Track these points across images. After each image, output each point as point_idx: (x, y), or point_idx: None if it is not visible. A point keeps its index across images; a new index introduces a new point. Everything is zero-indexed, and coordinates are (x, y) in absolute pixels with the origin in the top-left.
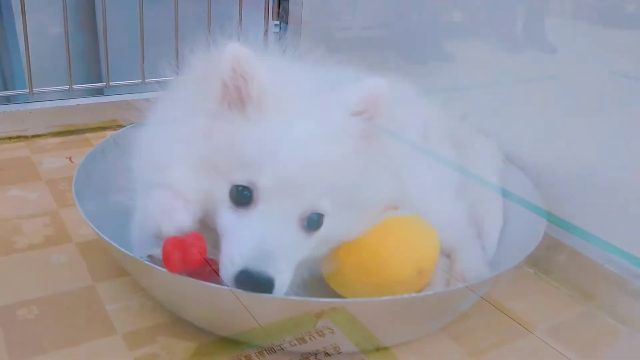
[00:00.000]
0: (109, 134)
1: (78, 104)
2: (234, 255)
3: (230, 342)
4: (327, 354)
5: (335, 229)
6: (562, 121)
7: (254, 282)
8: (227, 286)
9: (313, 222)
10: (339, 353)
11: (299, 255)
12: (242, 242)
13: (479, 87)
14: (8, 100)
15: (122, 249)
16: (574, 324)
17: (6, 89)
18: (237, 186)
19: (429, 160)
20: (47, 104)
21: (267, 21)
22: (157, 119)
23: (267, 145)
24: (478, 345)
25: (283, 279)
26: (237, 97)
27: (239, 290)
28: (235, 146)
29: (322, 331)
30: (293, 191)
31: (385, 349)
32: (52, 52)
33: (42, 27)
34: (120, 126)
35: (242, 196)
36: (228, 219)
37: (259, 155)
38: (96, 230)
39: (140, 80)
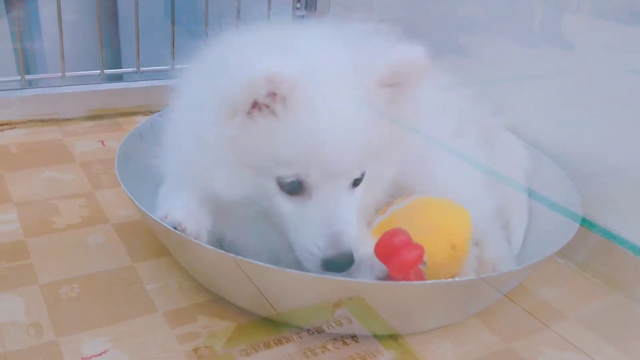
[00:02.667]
0: (140, 118)
1: (109, 89)
2: (310, 248)
3: (270, 322)
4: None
5: (372, 173)
6: (578, 117)
7: (337, 265)
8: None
9: (357, 181)
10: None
11: (355, 211)
12: (312, 233)
13: (495, 81)
14: (38, 84)
15: (169, 227)
16: (604, 313)
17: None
18: (284, 179)
19: (462, 153)
20: (80, 88)
21: (294, 10)
22: (180, 114)
23: (307, 141)
24: (511, 331)
25: (355, 241)
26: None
27: (281, 269)
28: (272, 147)
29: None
30: (341, 173)
31: (429, 331)
32: (69, 39)
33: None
34: (150, 111)
35: (293, 186)
36: (286, 208)
37: (301, 152)
38: (141, 207)
39: (169, 66)
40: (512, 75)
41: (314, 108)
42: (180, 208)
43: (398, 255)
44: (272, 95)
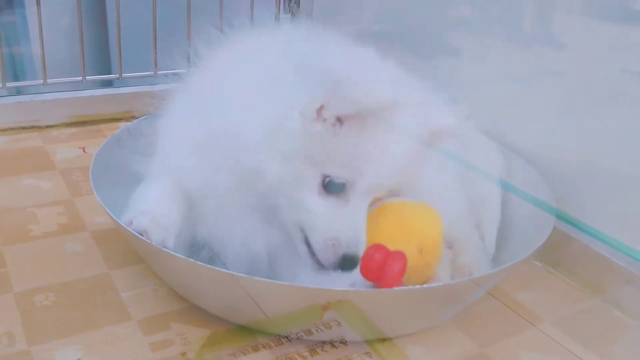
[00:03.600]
0: (122, 125)
1: (91, 95)
2: (339, 241)
3: (244, 330)
4: (343, 342)
5: None
6: (570, 117)
7: (352, 263)
8: (242, 274)
9: None
10: (353, 342)
11: None
12: (342, 229)
13: (486, 82)
14: (21, 90)
15: (140, 236)
16: (582, 317)
17: (17, 80)
18: (331, 178)
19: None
20: (61, 95)
21: (279, 13)
22: (177, 115)
23: (374, 155)
24: (487, 336)
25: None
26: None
27: (256, 278)
28: (342, 149)
29: (336, 321)
30: (379, 189)
31: (390, 339)
32: (62, 43)
33: (53, 18)
34: (133, 117)
35: (336, 186)
36: (318, 203)
37: (364, 161)
38: (113, 216)
39: (152, 72)
40: (501, 76)
41: (381, 128)
42: (146, 212)
43: (385, 272)
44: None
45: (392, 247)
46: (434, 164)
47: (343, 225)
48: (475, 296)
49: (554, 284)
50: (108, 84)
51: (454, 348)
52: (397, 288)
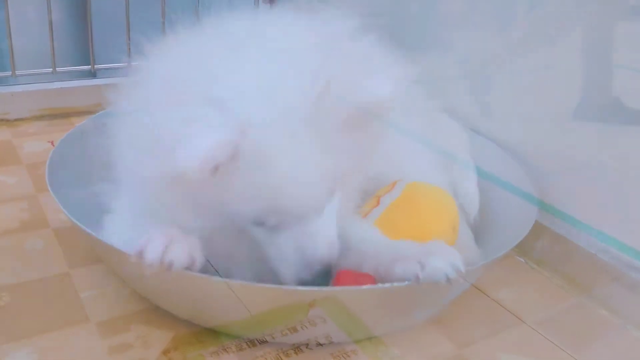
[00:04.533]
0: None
1: (62, 87)
2: (286, 271)
3: (208, 332)
4: (318, 344)
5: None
6: (559, 112)
7: (313, 281)
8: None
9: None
10: (331, 343)
11: (334, 216)
12: (288, 258)
13: (476, 76)
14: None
15: (98, 237)
16: (565, 315)
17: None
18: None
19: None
20: (31, 87)
21: (258, 3)
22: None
23: (267, 193)
24: (466, 336)
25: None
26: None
27: (232, 281)
28: (240, 199)
29: (314, 320)
30: (309, 211)
31: (377, 338)
32: (43, 34)
33: (41, 13)
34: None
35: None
36: (261, 236)
37: (265, 203)
38: (71, 217)
39: (126, 63)
40: (491, 70)
41: (267, 161)
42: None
43: None
44: (215, 168)
45: (430, 225)
46: (411, 150)
47: (287, 253)
48: (450, 295)
49: (537, 281)
50: (84, 75)
51: (431, 350)
52: (377, 286)
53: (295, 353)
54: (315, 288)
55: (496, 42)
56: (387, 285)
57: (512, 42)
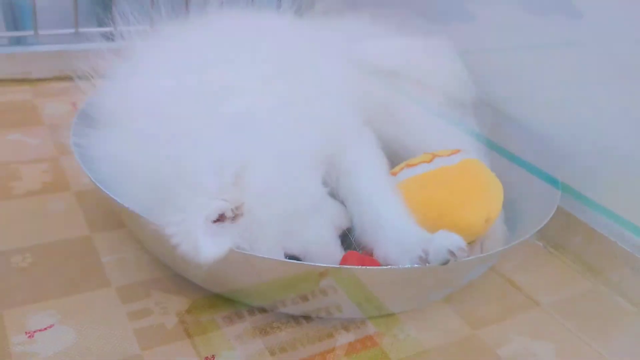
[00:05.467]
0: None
1: (84, 49)
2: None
3: (225, 299)
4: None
5: None
6: (585, 89)
7: None
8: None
9: None
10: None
11: None
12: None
13: (500, 49)
14: (14, 42)
15: (121, 202)
16: (580, 300)
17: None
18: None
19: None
20: (53, 47)
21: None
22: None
23: None
24: (480, 317)
25: None
26: None
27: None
28: None
29: (325, 290)
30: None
31: (392, 314)
32: None
33: None
34: None
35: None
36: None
37: None
38: (95, 181)
39: (148, 26)
40: (516, 43)
41: None
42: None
43: None
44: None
45: (460, 210)
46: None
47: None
48: (465, 278)
49: (555, 265)
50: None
51: (445, 328)
52: (380, 267)
53: (307, 321)
54: (323, 265)
55: (521, 13)
56: (395, 267)
57: (537, 13)
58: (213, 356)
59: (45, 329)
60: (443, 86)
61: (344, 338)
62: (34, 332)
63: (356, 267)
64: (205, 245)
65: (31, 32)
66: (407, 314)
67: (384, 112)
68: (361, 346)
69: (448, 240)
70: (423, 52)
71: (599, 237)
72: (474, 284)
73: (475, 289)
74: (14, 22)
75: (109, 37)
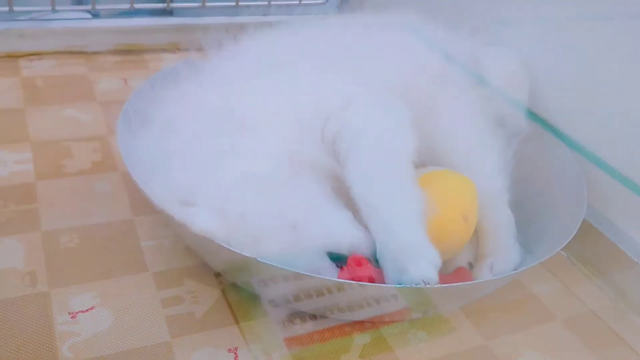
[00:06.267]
0: (168, 56)
1: (139, 24)
2: None
3: (249, 293)
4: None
5: None
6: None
7: None
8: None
9: None
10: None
11: None
12: None
13: (537, 21)
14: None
15: (153, 197)
16: (596, 317)
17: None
18: None
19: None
20: (109, 22)
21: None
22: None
23: None
24: (494, 328)
25: None
26: None
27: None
28: None
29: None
30: None
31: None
32: None
33: None
34: (178, 49)
35: None
36: None
37: None
38: (132, 174)
39: (200, 4)
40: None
41: None
42: None
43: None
44: None
45: (438, 216)
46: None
47: None
48: (480, 294)
49: (576, 279)
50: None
51: (458, 337)
52: (393, 285)
53: (323, 319)
54: (326, 278)
55: None
56: (411, 286)
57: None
58: (236, 348)
59: (87, 310)
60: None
61: (357, 341)
62: (77, 312)
63: (355, 282)
64: None
65: (88, 7)
66: (421, 319)
67: (427, 112)
68: (375, 350)
69: (422, 267)
70: (498, 66)
71: (622, 256)
72: (491, 292)
73: (493, 297)
74: None
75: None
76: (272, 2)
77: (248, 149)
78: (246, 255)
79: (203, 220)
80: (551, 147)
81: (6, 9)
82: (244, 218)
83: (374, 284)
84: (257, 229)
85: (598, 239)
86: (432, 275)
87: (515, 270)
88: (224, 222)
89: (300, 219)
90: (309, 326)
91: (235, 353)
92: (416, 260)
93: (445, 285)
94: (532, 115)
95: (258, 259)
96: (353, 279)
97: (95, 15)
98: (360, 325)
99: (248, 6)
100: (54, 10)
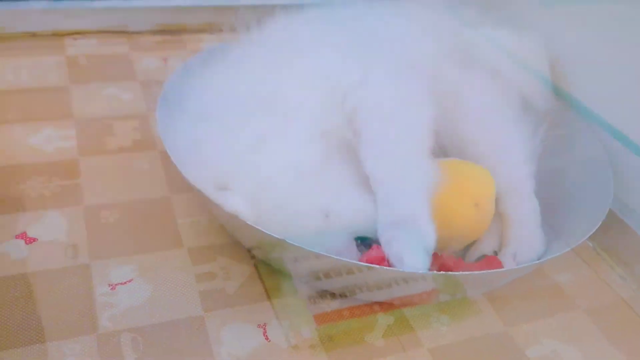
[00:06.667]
0: (206, 36)
1: (178, 4)
2: None
3: (279, 270)
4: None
5: None
6: None
7: None
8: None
9: None
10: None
11: None
12: None
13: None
14: None
15: (190, 178)
16: (618, 307)
17: None
18: None
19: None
20: (150, 2)
21: None
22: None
23: None
24: (515, 315)
25: None
26: None
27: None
28: None
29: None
30: None
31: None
32: None
33: None
34: (216, 30)
35: None
36: None
37: None
38: (172, 157)
39: None
40: None
41: None
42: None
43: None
44: None
45: (448, 202)
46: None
47: None
48: (502, 283)
49: (601, 269)
50: None
51: (479, 322)
52: (421, 272)
53: (349, 298)
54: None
55: None
56: (441, 273)
57: None
58: (265, 324)
59: (126, 282)
60: (526, 88)
61: (381, 322)
62: (116, 284)
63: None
64: None
65: None
66: (445, 303)
67: (452, 100)
68: (398, 331)
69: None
70: (526, 51)
71: None
72: (515, 279)
73: (516, 284)
74: None
75: None
76: None
77: (281, 134)
78: (276, 236)
79: (236, 202)
80: (578, 135)
81: None
82: (278, 205)
83: (384, 267)
84: (290, 215)
85: (623, 230)
86: (423, 265)
87: (538, 259)
88: (257, 207)
89: (332, 206)
90: (336, 304)
91: (264, 329)
92: (410, 248)
93: (466, 272)
94: (557, 91)
95: (287, 241)
96: (369, 262)
97: None
98: (385, 305)
99: None
100: None
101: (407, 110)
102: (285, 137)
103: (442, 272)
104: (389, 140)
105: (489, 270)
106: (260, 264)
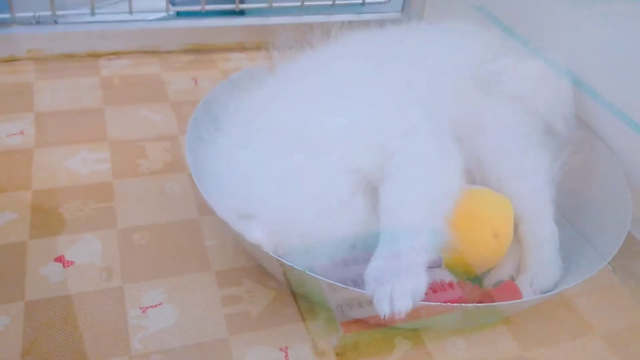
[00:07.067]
0: (235, 55)
1: (210, 25)
2: None
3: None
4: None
5: None
6: None
7: None
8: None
9: None
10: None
11: None
12: None
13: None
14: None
15: (213, 205)
16: (635, 336)
17: None
18: None
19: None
20: (181, 23)
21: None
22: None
23: None
24: (532, 339)
25: None
26: None
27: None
28: None
29: None
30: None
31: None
32: None
33: None
34: (244, 49)
35: None
36: None
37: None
38: (197, 183)
39: (267, 4)
40: None
41: None
42: None
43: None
44: None
45: (467, 233)
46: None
47: None
48: (517, 310)
49: (621, 293)
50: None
51: (496, 347)
52: (437, 303)
53: (370, 325)
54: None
55: None
56: (457, 305)
57: None
58: (287, 347)
59: (156, 305)
60: (549, 113)
61: (403, 345)
62: (147, 307)
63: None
64: None
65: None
66: (462, 328)
67: (474, 125)
68: (415, 355)
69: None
70: (548, 81)
71: None
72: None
73: (533, 307)
74: None
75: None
76: (336, 2)
77: (313, 169)
78: (298, 268)
79: (257, 232)
80: (597, 159)
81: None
82: (303, 238)
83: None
84: (315, 246)
85: None
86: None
87: (555, 285)
88: (279, 237)
89: (358, 238)
90: (355, 327)
91: (286, 352)
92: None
93: (481, 305)
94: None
95: (307, 272)
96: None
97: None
98: (400, 329)
99: (313, 6)
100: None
101: (441, 177)
102: (316, 170)
103: (460, 304)
104: (416, 192)
105: (506, 302)
106: (284, 289)
